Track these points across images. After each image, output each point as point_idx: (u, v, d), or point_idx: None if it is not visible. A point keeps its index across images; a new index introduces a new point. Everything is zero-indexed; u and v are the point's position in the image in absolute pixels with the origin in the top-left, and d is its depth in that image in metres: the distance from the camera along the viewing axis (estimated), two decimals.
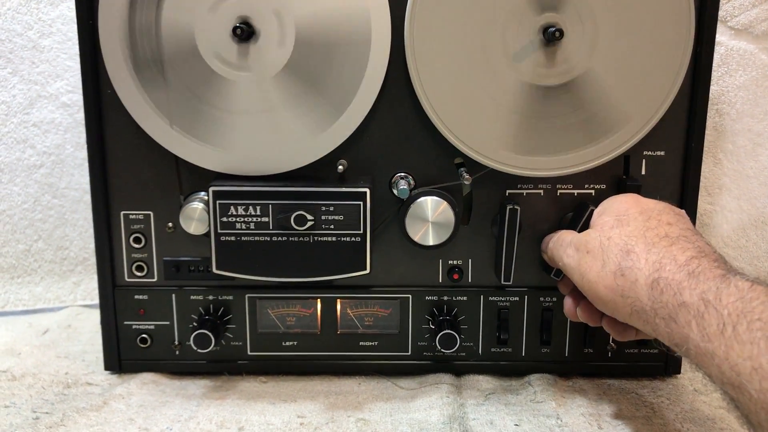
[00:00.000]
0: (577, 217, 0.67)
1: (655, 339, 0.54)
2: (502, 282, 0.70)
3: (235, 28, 0.63)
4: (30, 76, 0.94)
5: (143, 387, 0.73)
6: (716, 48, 0.78)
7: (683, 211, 0.62)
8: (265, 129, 0.67)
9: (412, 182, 0.70)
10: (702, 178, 0.72)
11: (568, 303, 0.66)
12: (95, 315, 0.93)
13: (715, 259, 0.53)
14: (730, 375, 0.44)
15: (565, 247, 0.63)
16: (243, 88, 0.66)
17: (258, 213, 0.67)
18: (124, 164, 0.70)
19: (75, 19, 0.92)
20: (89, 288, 0.99)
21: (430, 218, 0.68)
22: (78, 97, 0.95)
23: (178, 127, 0.67)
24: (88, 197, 0.97)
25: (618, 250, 0.57)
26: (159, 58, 0.65)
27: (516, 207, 0.68)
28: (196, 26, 0.64)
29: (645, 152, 0.70)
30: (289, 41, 0.64)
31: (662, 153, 0.70)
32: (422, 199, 0.68)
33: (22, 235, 0.97)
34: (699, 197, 0.72)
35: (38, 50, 0.94)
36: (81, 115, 0.95)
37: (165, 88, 0.66)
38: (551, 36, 0.63)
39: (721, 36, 0.94)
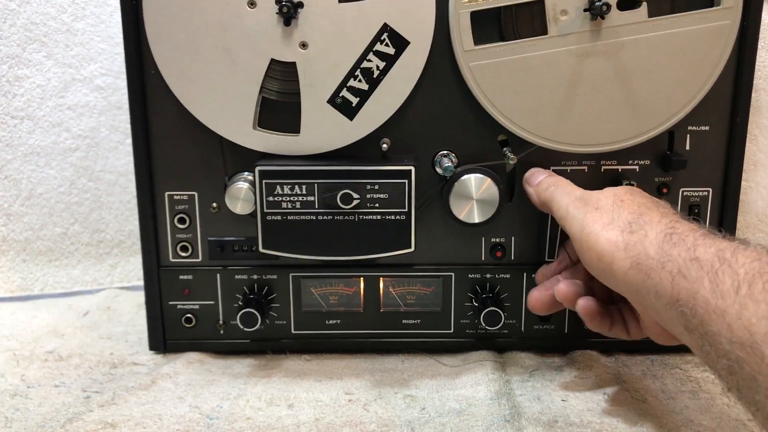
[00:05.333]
0: None
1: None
2: None
3: (280, 7, 0.63)
4: (64, 60, 0.95)
5: (189, 366, 0.74)
6: None
7: None
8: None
9: (454, 160, 0.70)
10: None
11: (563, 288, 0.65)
12: (133, 297, 0.94)
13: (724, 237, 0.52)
14: (741, 334, 0.43)
15: (572, 198, 0.62)
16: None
17: (304, 192, 0.67)
18: (167, 145, 0.71)
19: (108, 2, 0.93)
20: (126, 270, 1.00)
21: (475, 196, 0.68)
22: (112, 80, 0.95)
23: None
24: (123, 180, 0.98)
25: (629, 211, 0.57)
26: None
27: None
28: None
29: (690, 127, 0.70)
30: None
31: (707, 128, 0.70)
32: (466, 176, 0.68)
33: (59, 218, 0.98)
34: None
35: (72, 33, 0.94)
36: (115, 98, 0.96)
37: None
38: (599, 9, 0.62)
39: None
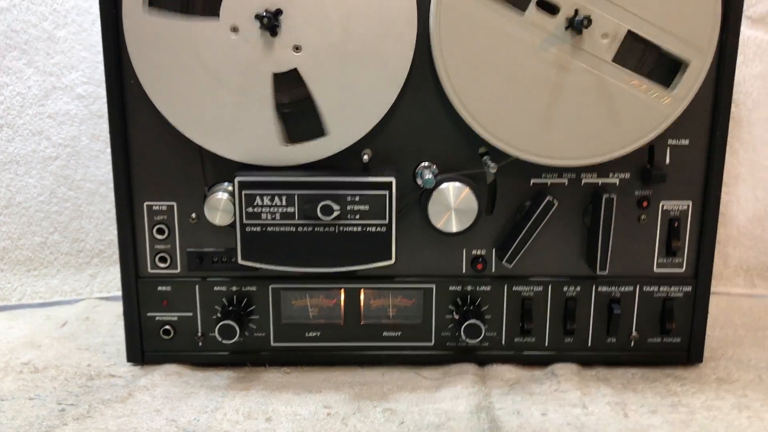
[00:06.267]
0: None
1: None
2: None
3: (261, 18, 0.62)
4: (45, 68, 0.94)
5: (167, 378, 0.73)
6: None
7: None
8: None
9: (436, 171, 0.70)
10: None
11: None
12: (113, 307, 0.93)
13: None
14: None
15: None
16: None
17: (284, 203, 0.66)
18: (147, 155, 0.70)
19: (90, 11, 0.93)
20: (105, 280, 0.99)
21: (453, 205, 0.68)
22: (93, 89, 0.95)
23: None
24: (103, 189, 0.97)
25: None
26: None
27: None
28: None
29: (669, 141, 0.70)
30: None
31: (687, 142, 0.70)
32: (445, 185, 0.68)
33: (38, 228, 0.97)
34: None
35: (53, 41, 0.93)
36: (96, 107, 0.95)
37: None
38: (578, 24, 0.63)
39: None
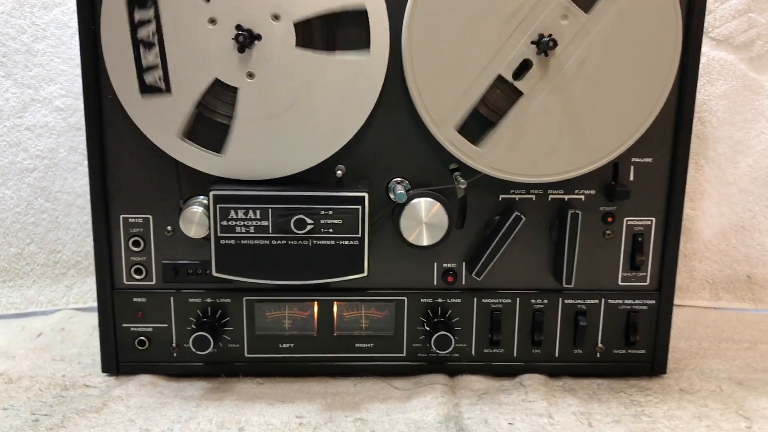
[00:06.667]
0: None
1: None
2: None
3: (237, 38, 0.64)
4: (23, 80, 0.95)
5: (141, 389, 0.73)
6: None
7: None
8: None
9: (408, 186, 0.72)
10: None
11: None
12: (88, 318, 0.94)
13: None
14: None
15: None
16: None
17: (258, 217, 0.68)
18: (123, 168, 0.71)
19: (69, 24, 0.94)
20: (81, 291, 1.00)
21: (424, 219, 0.70)
22: (71, 101, 0.95)
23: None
24: (81, 201, 0.98)
25: None
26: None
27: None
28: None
29: (633, 159, 0.72)
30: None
31: (650, 160, 0.73)
32: (416, 200, 0.70)
33: (15, 239, 0.98)
34: None
35: (32, 54, 0.94)
36: (74, 119, 0.96)
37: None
38: (545, 46, 0.65)
39: (703, 46, 0.96)
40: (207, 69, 0.66)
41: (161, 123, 0.68)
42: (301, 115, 0.67)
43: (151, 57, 0.66)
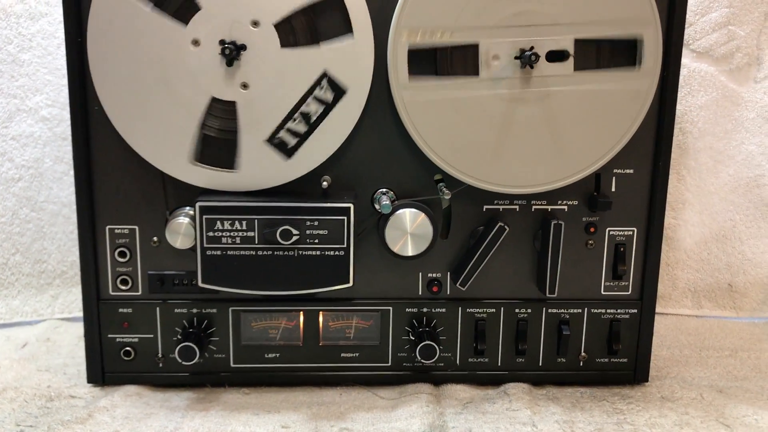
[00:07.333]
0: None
1: None
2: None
3: (223, 52, 0.65)
4: (9, 90, 0.95)
5: (127, 399, 0.74)
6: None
7: None
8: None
9: (393, 197, 0.72)
10: None
11: None
12: (74, 328, 0.94)
13: None
14: None
15: None
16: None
17: (244, 228, 0.68)
18: (109, 179, 0.71)
19: (55, 35, 0.94)
20: (67, 301, 0.99)
21: (409, 230, 0.71)
22: (57, 111, 0.96)
23: (167, 146, 0.68)
24: (66, 211, 0.97)
25: None
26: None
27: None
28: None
29: (615, 170, 0.73)
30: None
31: (631, 171, 0.74)
32: (401, 211, 0.70)
33: (0, 249, 0.97)
34: None
35: (18, 64, 0.94)
36: (60, 129, 0.96)
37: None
38: (528, 59, 0.66)
39: (684, 58, 0.97)
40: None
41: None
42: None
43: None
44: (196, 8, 0.65)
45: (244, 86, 0.67)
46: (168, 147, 0.68)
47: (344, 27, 0.67)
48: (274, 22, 0.66)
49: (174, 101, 0.67)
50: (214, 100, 0.67)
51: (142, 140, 0.69)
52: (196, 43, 0.66)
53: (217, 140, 0.69)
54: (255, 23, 0.66)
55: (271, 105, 0.67)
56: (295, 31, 0.67)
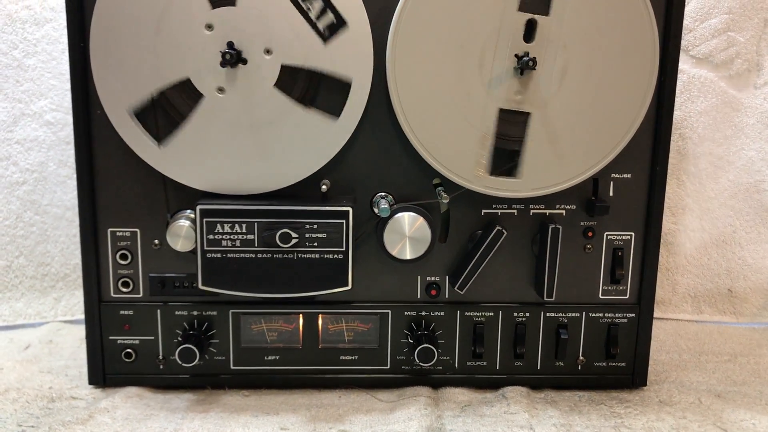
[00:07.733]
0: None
1: None
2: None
3: (223, 54, 0.65)
4: (14, 95, 0.96)
5: (128, 400, 0.74)
6: (679, 75, 0.82)
7: None
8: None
9: (392, 201, 0.73)
10: (666, 199, 0.76)
11: None
12: (76, 330, 0.95)
13: None
14: None
15: None
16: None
17: (244, 231, 0.69)
18: (111, 182, 0.72)
19: (59, 40, 0.95)
20: (70, 304, 1.00)
21: (407, 233, 0.71)
22: (61, 116, 0.97)
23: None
24: (70, 214, 0.98)
25: None
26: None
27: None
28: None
29: (613, 175, 0.74)
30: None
31: (629, 176, 0.74)
32: (400, 214, 0.71)
33: (3, 252, 0.98)
34: (663, 217, 0.76)
35: (23, 69, 0.95)
36: (64, 133, 0.97)
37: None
38: (525, 65, 0.66)
39: (683, 64, 0.99)
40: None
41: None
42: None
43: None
44: (231, 2, 0.66)
45: (220, 90, 0.68)
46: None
47: (337, 109, 0.69)
48: (285, 62, 0.67)
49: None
50: (188, 82, 0.68)
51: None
52: (209, 27, 0.66)
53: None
54: (268, 51, 0.67)
55: (232, 118, 0.69)
56: (296, 83, 0.68)
